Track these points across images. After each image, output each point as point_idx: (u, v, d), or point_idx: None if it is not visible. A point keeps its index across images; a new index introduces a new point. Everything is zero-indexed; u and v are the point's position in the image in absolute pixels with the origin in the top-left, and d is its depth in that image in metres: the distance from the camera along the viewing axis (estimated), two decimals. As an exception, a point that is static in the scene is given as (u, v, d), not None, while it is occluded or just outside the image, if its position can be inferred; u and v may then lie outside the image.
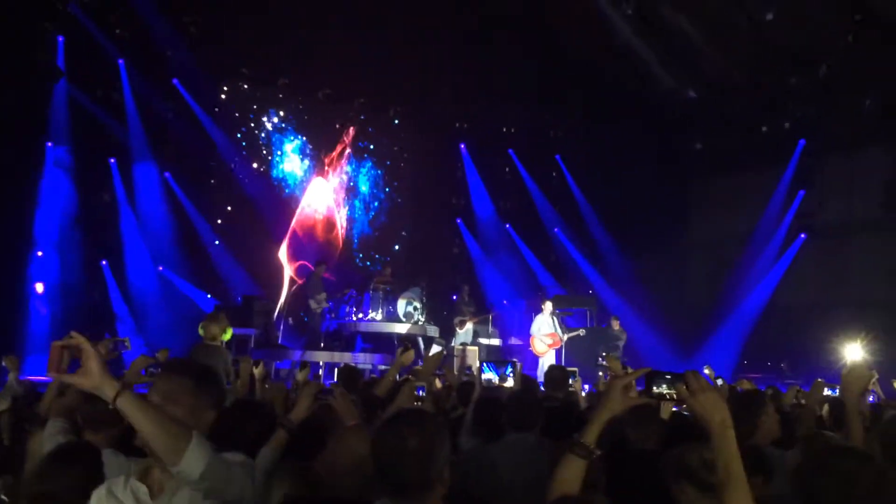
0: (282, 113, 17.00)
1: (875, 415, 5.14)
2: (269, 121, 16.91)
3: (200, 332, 6.40)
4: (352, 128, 17.55)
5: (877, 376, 8.44)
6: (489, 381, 4.41)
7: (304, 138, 17.26)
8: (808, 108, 15.84)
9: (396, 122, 18.04)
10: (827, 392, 5.37)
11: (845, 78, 14.66)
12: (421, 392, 3.91)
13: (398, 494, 2.14)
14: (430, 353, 8.32)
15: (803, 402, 5.30)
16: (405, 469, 2.12)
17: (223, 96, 16.35)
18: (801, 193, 16.56)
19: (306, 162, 17.29)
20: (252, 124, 16.75)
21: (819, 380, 4.62)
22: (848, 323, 13.03)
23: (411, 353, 4.43)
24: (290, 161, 17.12)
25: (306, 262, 15.78)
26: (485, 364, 4.30)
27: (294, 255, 16.39)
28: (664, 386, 2.08)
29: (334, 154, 17.55)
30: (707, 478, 2.68)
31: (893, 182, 15.45)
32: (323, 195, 17.39)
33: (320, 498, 2.72)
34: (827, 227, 16.27)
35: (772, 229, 16.86)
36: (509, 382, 4.33)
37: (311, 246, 16.77)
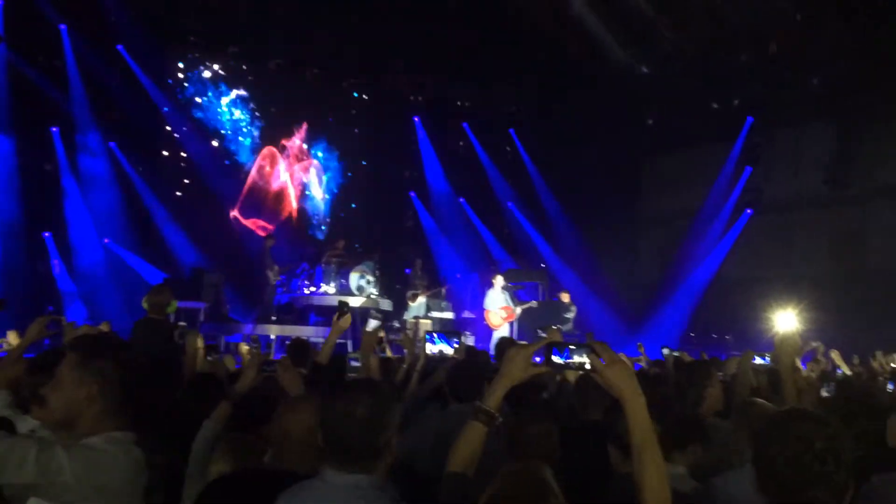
0: (231, 82, 16.65)
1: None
2: (218, 90, 16.55)
3: (144, 305, 6.28)
4: (307, 106, 17.36)
5: (823, 348, 8.76)
6: (441, 352, 4.40)
7: (255, 108, 16.95)
8: (756, 86, 16.10)
9: (349, 96, 17.83)
10: (758, 361, 5.54)
11: (794, 56, 14.93)
12: (353, 363, 3.91)
13: (345, 462, 2.12)
14: (367, 329, 8.30)
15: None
16: (353, 437, 2.11)
17: (171, 64, 15.94)
18: (747, 170, 16.87)
19: (256, 132, 17.02)
20: (201, 94, 16.36)
21: (748, 350, 4.78)
22: (791, 296, 13.43)
23: (348, 318, 4.41)
24: (240, 131, 16.82)
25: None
26: (435, 335, 4.26)
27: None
28: (575, 357, 2.13)
29: (288, 128, 17.35)
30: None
31: (837, 160, 15.83)
32: (275, 166, 17.20)
33: (260, 470, 2.69)
34: (772, 203, 16.64)
35: (719, 205, 17.18)
36: (449, 351, 4.32)
37: (263, 216, 16.61)
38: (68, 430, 2.26)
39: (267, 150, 17.09)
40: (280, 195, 17.21)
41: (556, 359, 2.18)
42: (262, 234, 15.02)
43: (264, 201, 16.91)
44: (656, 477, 1.95)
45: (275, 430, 2.73)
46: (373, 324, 12.20)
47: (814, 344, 8.82)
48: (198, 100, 16.35)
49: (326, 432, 2.16)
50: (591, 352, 2.07)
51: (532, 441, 3.02)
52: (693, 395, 4.03)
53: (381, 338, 5.92)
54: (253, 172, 16.80)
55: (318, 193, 17.90)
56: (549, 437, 3.09)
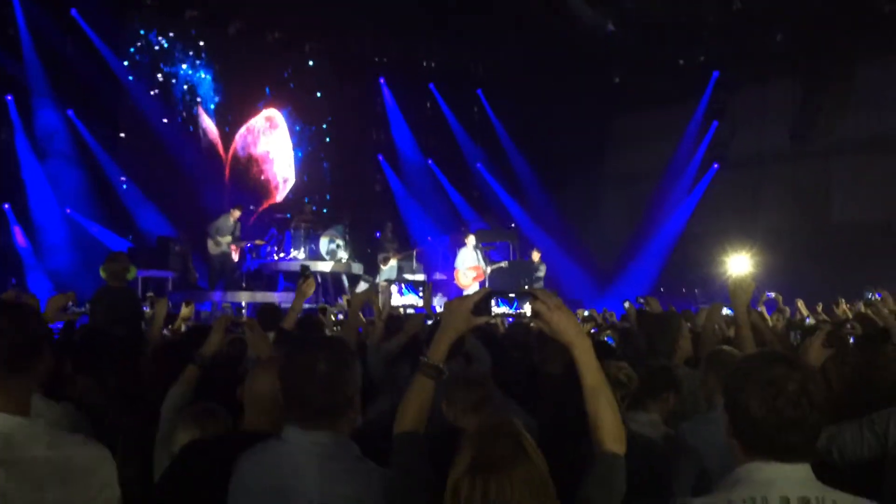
0: (190, 47, 16.25)
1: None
2: (177, 55, 16.16)
3: (102, 274, 6.15)
4: (269, 70, 17.03)
5: (781, 297, 8.92)
6: (411, 305, 4.36)
7: (216, 74, 16.60)
8: (722, 42, 16.09)
9: (312, 59, 17.50)
10: (726, 312, 5.62)
11: (758, 11, 14.91)
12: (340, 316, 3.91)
13: (306, 420, 2.08)
14: (358, 290, 8.27)
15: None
16: (313, 394, 2.07)
17: (128, 29, 15.51)
18: (714, 124, 16.98)
19: (217, 98, 16.70)
20: (159, 59, 15.96)
21: (717, 302, 4.86)
22: (758, 249, 13.63)
23: (312, 282, 4.35)
24: (201, 97, 16.50)
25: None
26: (403, 286, 4.16)
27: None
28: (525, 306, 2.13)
29: (251, 92, 17.04)
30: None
31: (802, 113, 15.97)
32: (244, 136, 17.01)
33: (232, 435, 2.65)
34: (739, 157, 16.78)
35: (686, 160, 17.32)
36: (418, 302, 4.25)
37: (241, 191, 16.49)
38: None
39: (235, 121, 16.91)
40: (250, 165, 17.08)
41: (504, 309, 2.16)
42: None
43: (245, 178, 16.80)
44: (612, 415, 1.98)
45: (247, 393, 2.70)
46: (363, 286, 12.16)
47: (771, 295, 8.96)
48: (156, 65, 15.95)
49: (286, 390, 2.12)
50: (534, 299, 2.05)
51: (463, 396, 3.01)
52: (664, 346, 4.07)
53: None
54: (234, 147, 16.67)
55: (286, 158, 17.68)
56: (478, 391, 3.07)
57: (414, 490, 2.01)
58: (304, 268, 4.39)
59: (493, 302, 2.14)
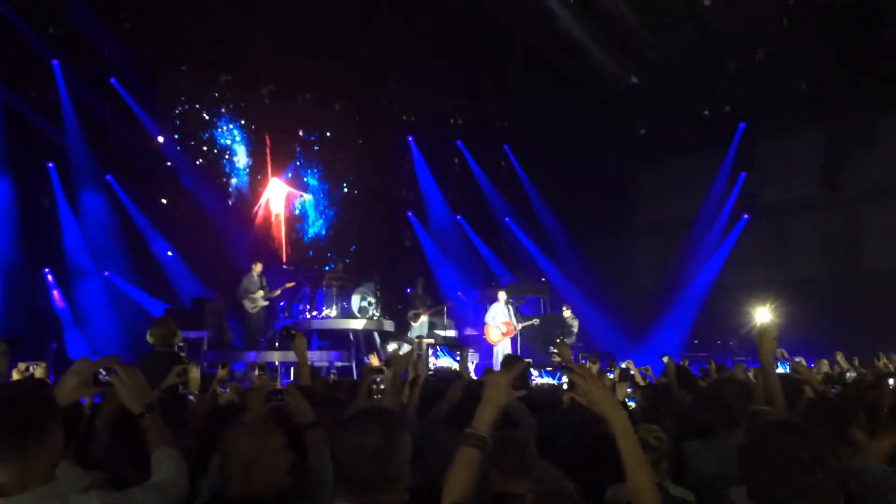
0: (225, 110, 16.70)
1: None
2: (212, 119, 16.60)
3: (149, 339, 6.27)
4: (300, 131, 17.43)
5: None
6: (447, 367, 4.35)
7: (249, 135, 17.00)
8: (746, 92, 16.20)
9: (343, 117, 17.87)
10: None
11: (781, 61, 15.03)
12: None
13: (357, 492, 2.11)
14: (401, 352, 8.25)
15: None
16: (365, 468, 2.10)
17: (164, 95, 15.98)
18: (742, 175, 16.95)
19: (250, 160, 17.06)
20: (194, 123, 16.39)
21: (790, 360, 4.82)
22: (790, 299, 13.45)
23: (302, 337, 4.44)
24: (236, 159, 16.87)
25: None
26: (439, 348, 4.13)
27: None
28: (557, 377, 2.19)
29: (282, 152, 17.38)
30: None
31: (828, 161, 15.93)
32: (275, 195, 17.27)
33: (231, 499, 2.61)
34: (768, 207, 16.70)
35: (716, 211, 17.26)
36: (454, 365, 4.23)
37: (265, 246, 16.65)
38: None
39: (271, 181, 17.20)
40: (274, 221, 17.30)
41: (546, 380, 2.24)
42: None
43: (268, 231, 17.02)
44: (650, 484, 2.04)
45: (235, 455, 2.62)
46: (406, 348, 12.16)
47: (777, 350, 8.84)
48: (192, 129, 16.36)
49: (338, 464, 2.16)
50: (571, 372, 2.13)
51: (511, 461, 3.04)
52: (742, 413, 3.75)
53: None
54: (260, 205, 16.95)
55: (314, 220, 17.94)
56: (526, 456, 3.09)
57: None
58: (285, 328, 4.53)
59: (533, 374, 2.20)
